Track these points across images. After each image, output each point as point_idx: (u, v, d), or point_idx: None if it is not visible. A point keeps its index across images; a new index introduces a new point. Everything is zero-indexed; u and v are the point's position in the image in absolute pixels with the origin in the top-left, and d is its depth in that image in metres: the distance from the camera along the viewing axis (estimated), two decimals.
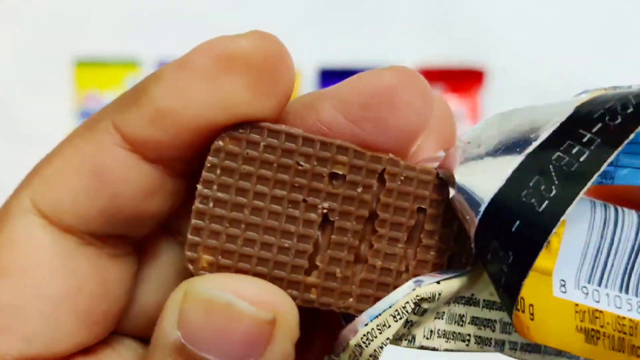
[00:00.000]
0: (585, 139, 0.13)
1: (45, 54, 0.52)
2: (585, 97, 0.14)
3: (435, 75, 0.55)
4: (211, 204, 0.14)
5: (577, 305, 0.14)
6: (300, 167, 0.14)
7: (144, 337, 0.16)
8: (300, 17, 0.53)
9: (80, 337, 0.15)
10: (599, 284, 0.14)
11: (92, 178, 0.14)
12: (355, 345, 0.14)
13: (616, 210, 0.14)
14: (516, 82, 0.55)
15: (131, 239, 0.16)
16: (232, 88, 0.13)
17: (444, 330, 0.15)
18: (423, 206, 0.15)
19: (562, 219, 0.12)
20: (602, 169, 0.12)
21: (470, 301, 0.15)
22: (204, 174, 0.14)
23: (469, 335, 0.15)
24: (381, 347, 0.14)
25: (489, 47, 0.55)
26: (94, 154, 0.14)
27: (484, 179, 0.14)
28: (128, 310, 0.16)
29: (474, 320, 0.15)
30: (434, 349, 0.14)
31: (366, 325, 0.14)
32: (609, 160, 0.12)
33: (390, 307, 0.14)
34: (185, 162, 0.15)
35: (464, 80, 0.55)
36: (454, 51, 0.55)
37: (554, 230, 0.12)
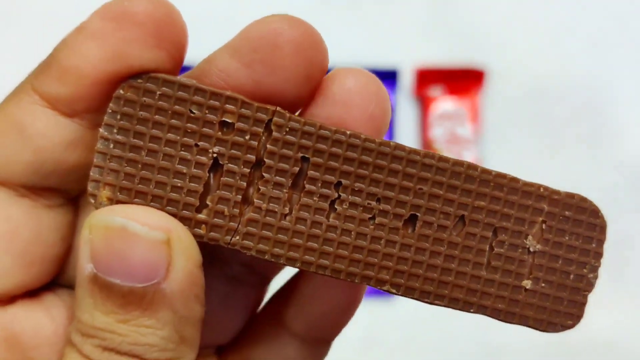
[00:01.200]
0: None
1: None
2: None
3: (435, 76, 0.55)
4: (111, 146, 0.16)
5: None
6: (192, 115, 0.16)
7: None
8: (299, 17, 0.55)
9: (20, 277, 0.17)
10: None
11: (16, 135, 0.16)
12: None
13: None
14: (516, 82, 0.55)
15: (64, 191, 0.17)
16: (122, 43, 0.15)
17: None
18: (307, 155, 0.16)
19: None
20: None
21: None
22: (106, 118, 0.16)
23: None
24: None
25: (489, 48, 0.55)
26: (16, 113, 0.16)
27: None
28: (70, 262, 0.18)
29: None
30: None
31: None
32: None
33: None
34: (99, 113, 0.16)
35: (464, 80, 0.55)
36: (454, 51, 0.55)
37: None
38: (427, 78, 0.55)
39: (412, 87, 0.55)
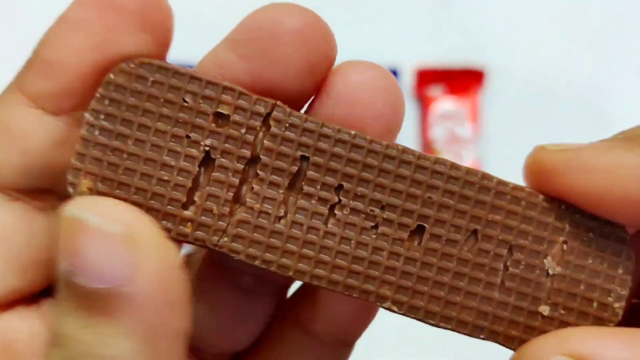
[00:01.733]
0: None
1: None
2: None
3: (435, 76, 0.55)
4: (96, 132, 0.15)
5: None
6: (185, 104, 0.15)
7: None
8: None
9: (14, 283, 0.16)
10: None
11: (2, 137, 0.15)
12: None
13: None
14: (516, 82, 0.54)
15: (56, 192, 0.16)
16: (105, 30, 0.14)
17: None
18: (306, 154, 0.15)
19: None
20: None
21: None
22: (92, 103, 0.15)
23: None
24: None
25: (489, 47, 0.55)
26: (1, 115, 0.15)
27: None
28: None
29: None
30: None
31: None
32: None
33: None
34: (86, 110, 0.15)
35: (463, 80, 0.55)
36: (454, 51, 0.55)
37: None
38: (427, 78, 0.54)
39: (412, 87, 0.55)
